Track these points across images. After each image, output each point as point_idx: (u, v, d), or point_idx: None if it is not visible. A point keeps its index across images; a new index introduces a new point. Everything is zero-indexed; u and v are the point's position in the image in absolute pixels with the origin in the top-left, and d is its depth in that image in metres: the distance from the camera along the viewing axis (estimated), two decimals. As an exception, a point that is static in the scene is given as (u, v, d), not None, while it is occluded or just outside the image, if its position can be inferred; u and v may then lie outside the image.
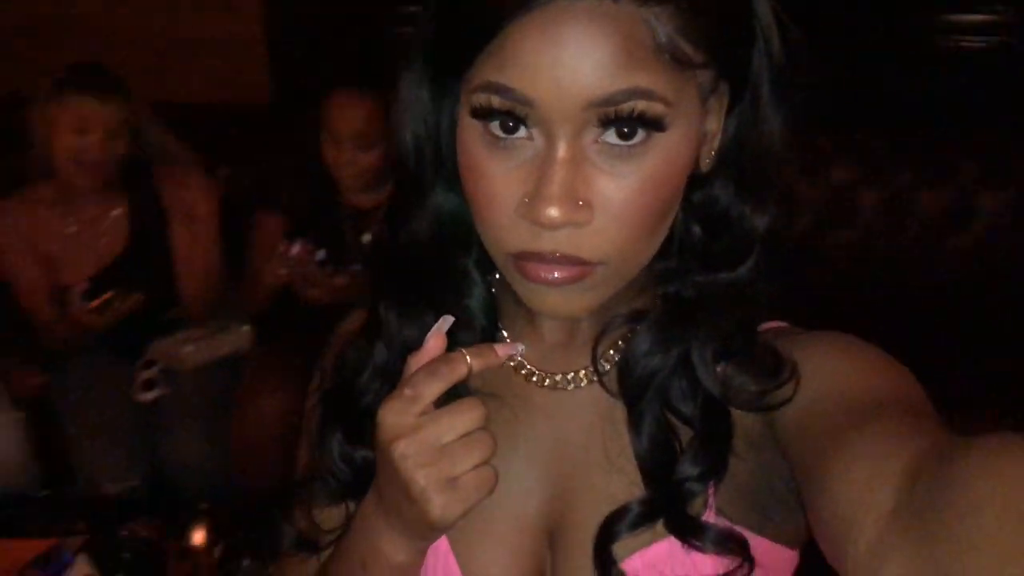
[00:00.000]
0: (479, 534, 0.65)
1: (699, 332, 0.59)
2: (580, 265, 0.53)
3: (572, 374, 0.65)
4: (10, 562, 1.38)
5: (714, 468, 0.59)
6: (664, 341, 0.60)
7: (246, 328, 2.14)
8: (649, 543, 0.60)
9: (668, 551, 0.60)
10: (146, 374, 2.10)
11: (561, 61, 0.47)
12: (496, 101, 0.50)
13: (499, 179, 0.52)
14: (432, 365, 0.57)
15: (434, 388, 0.56)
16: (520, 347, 0.62)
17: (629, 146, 0.50)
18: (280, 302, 2.09)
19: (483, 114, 0.51)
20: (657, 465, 0.59)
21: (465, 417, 0.56)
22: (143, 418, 2.06)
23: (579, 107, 0.49)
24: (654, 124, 0.49)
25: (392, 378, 0.63)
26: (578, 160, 0.50)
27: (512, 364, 0.66)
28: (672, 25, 0.48)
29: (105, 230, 2.05)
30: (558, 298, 0.55)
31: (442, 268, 0.63)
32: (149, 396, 2.07)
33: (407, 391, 0.56)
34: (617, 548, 0.60)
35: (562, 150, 0.50)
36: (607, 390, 0.62)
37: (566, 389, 0.65)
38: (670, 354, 0.59)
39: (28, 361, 2.16)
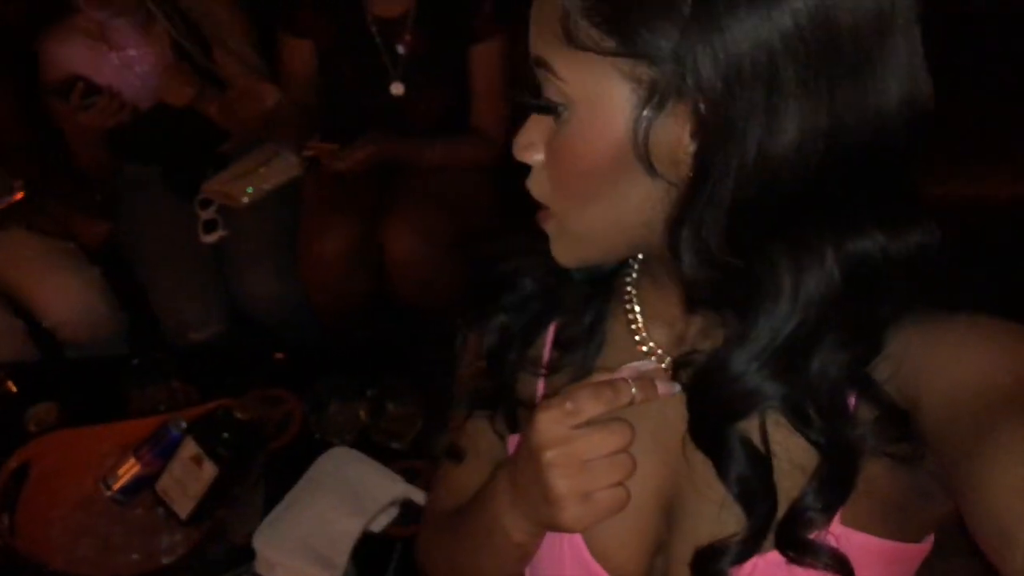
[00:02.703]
0: None
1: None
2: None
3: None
4: (123, 443, 1.46)
5: (842, 498, 0.57)
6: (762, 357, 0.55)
7: (294, 157, 2.05)
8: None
9: (775, 562, 0.59)
10: (204, 214, 2.07)
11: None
12: None
13: None
14: (599, 387, 0.59)
15: (595, 409, 0.58)
16: (676, 387, 0.62)
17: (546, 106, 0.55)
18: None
19: None
20: (752, 502, 0.58)
21: (615, 438, 0.58)
22: (214, 262, 2.07)
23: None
24: (550, 99, 0.54)
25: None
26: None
27: (644, 350, 0.67)
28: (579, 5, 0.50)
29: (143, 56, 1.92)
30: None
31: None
32: (212, 238, 2.05)
33: (568, 404, 0.58)
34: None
35: None
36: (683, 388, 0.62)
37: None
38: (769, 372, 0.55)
39: (87, 208, 2.14)
